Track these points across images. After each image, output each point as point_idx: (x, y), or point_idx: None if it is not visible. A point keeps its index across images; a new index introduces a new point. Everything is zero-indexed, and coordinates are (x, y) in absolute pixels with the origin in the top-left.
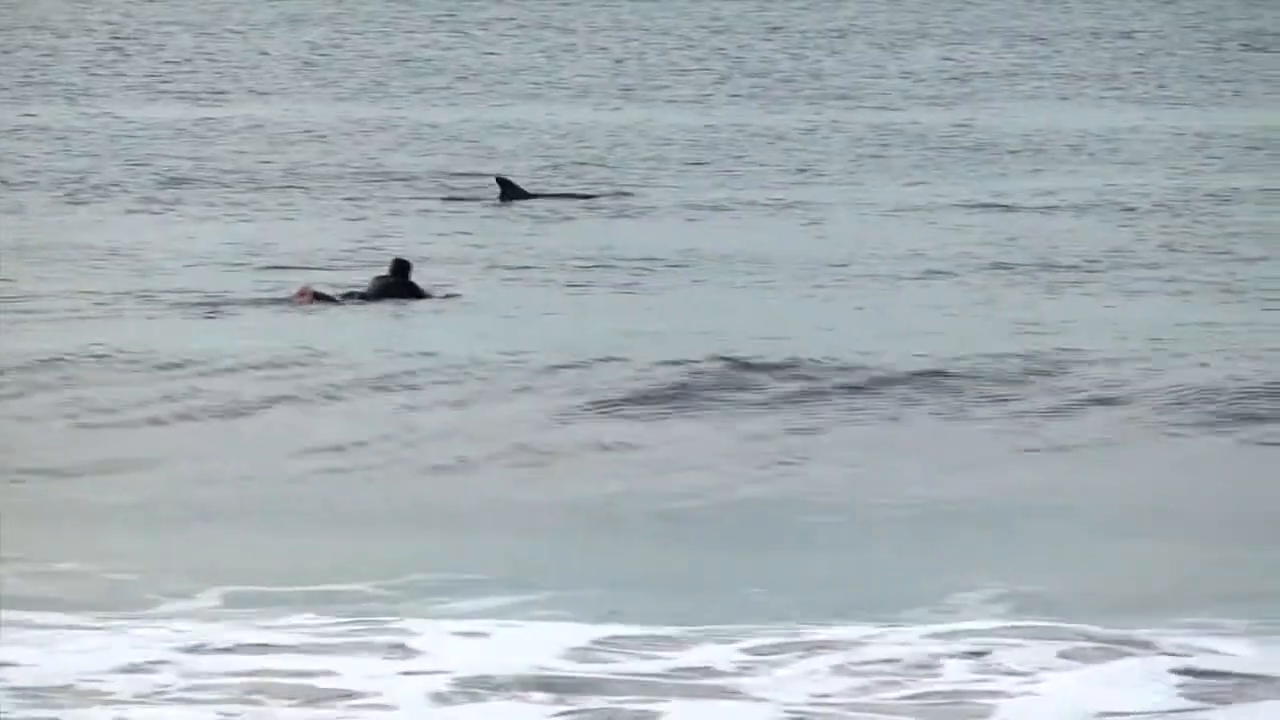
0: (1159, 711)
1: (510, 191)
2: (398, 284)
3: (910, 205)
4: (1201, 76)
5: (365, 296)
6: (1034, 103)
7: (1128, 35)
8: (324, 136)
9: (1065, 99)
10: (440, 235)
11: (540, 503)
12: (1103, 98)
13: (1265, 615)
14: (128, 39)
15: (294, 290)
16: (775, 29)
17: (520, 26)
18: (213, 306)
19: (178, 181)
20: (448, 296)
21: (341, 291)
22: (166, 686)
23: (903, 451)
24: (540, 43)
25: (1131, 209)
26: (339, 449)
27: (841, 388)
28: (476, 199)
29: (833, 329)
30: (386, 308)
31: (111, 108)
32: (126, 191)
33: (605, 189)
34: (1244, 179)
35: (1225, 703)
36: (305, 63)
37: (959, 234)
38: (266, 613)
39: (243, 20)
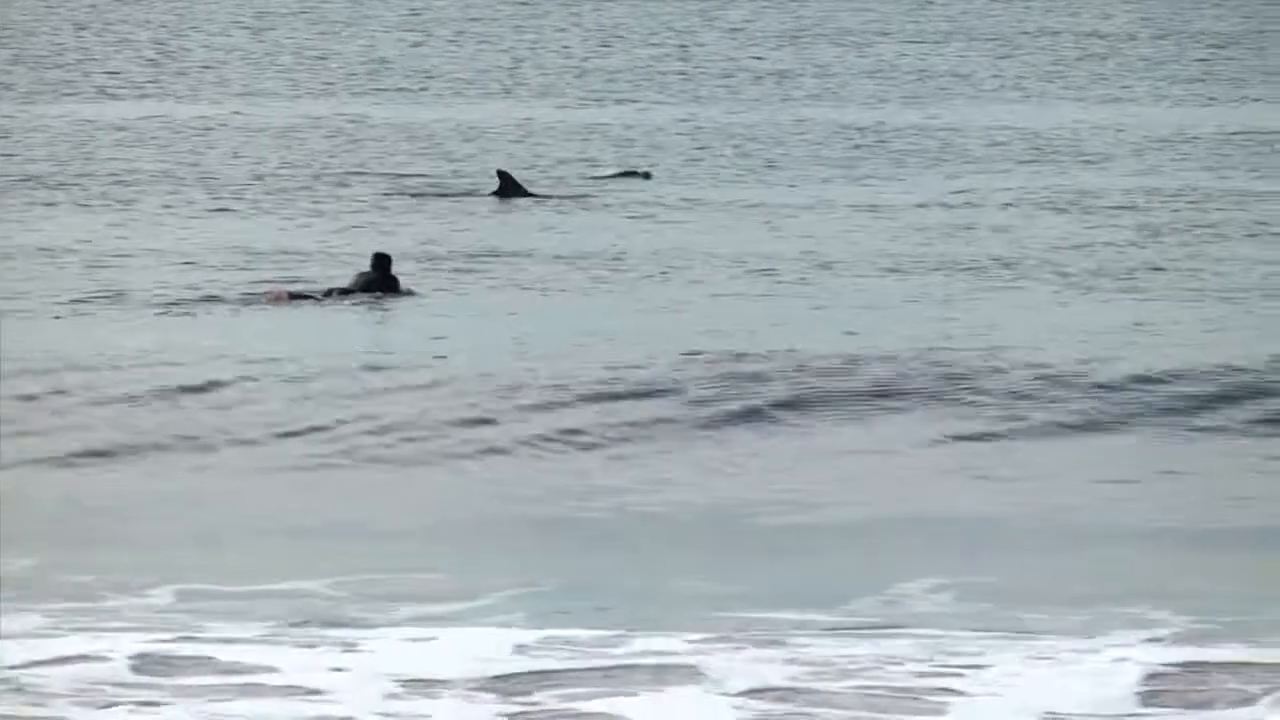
0: (1110, 715)
1: (509, 187)
2: (379, 278)
3: (869, 203)
4: (1168, 76)
5: (346, 291)
6: (994, 102)
7: (1091, 35)
8: (285, 135)
9: (1027, 97)
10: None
11: (491, 504)
12: (1062, 97)
13: (1209, 613)
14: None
15: (268, 291)
16: (736, 29)
17: (472, 20)
18: (181, 305)
19: (141, 180)
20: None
21: (322, 289)
22: (112, 682)
23: (851, 452)
24: (496, 43)
25: (1090, 208)
26: (290, 449)
27: (793, 388)
28: (443, 195)
29: (787, 327)
30: (362, 304)
31: (75, 107)
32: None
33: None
34: (1206, 178)
35: (1172, 705)
36: (266, 61)
37: (917, 232)
38: (216, 611)
39: (207, 18)
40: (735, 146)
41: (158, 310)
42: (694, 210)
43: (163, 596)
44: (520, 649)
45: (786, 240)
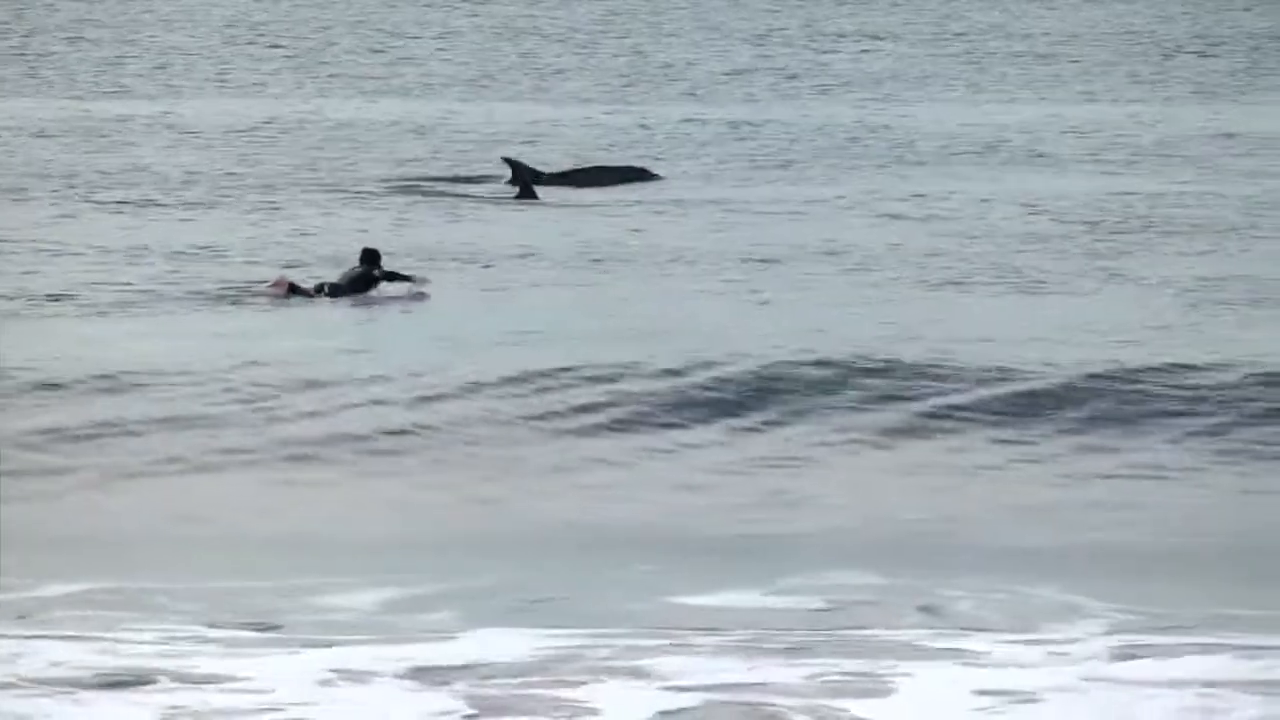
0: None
1: (521, 176)
2: (368, 273)
3: (819, 201)
4: (1129, 76)
5: (337, 288)
6: (947, 102)
7: (1035, 35)
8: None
9: (978, 96)
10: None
11: (431, 499)
12: (1015, 98)
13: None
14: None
15: (270, 281)
16: (710, 29)
17: (423, 13)
18: (150, 303)
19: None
20: (416, 282)
21: (313, 284)
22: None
23: (795, 456)
24: (458, 42)
25: (1042, 209)
26: (216, 444)
27: (735, 390)
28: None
29: (736, 326)
30: (349, 301)
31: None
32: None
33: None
34: (1155, 178)
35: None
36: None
37: (866, 232)
38: (151, 606)
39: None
40: (700, 145)
41: (145, 308)
42: (643, 209)
43: (100, 592)
44: (451, 642)
45: (737, 239)
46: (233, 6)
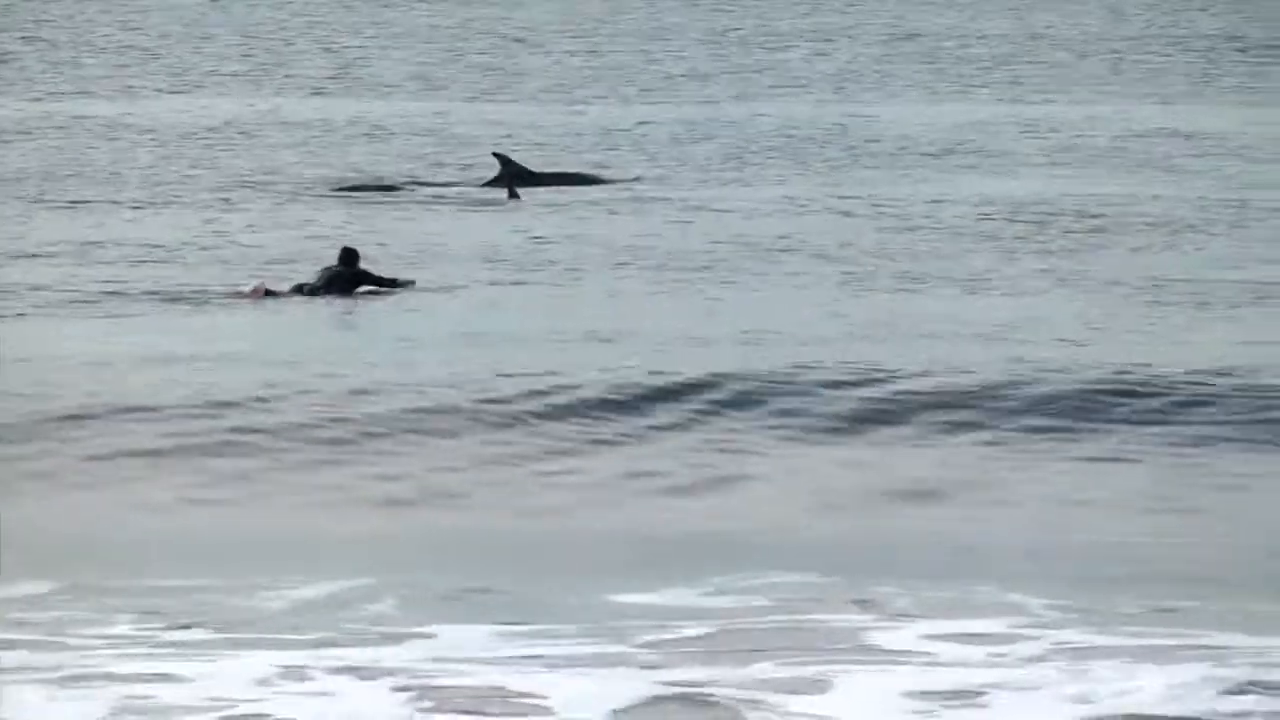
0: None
1: (508, 170)
2: (346, 273)
3: (770, 200)
4: (1087, 77)
5: (315, 289)
6: (900, 101)
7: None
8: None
9: (935, 96)
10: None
11: (378, 495)
12: (973, 98)
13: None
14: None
15: (248, 287)
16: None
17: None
18: (100, 302)
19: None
20: (402, 286)
21: (290, 285)
22: None
23: (741, 450)
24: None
25: (990, 207)
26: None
27: (680, 386)
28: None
29: (685, 325)
30: (327, 301)
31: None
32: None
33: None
34: (1111, 179)
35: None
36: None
37: (816, 233)
38: (95, 604)
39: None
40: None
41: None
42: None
43: (40, 587)
44: (412, 640)
45: (688, 237)
46: (191, 7)
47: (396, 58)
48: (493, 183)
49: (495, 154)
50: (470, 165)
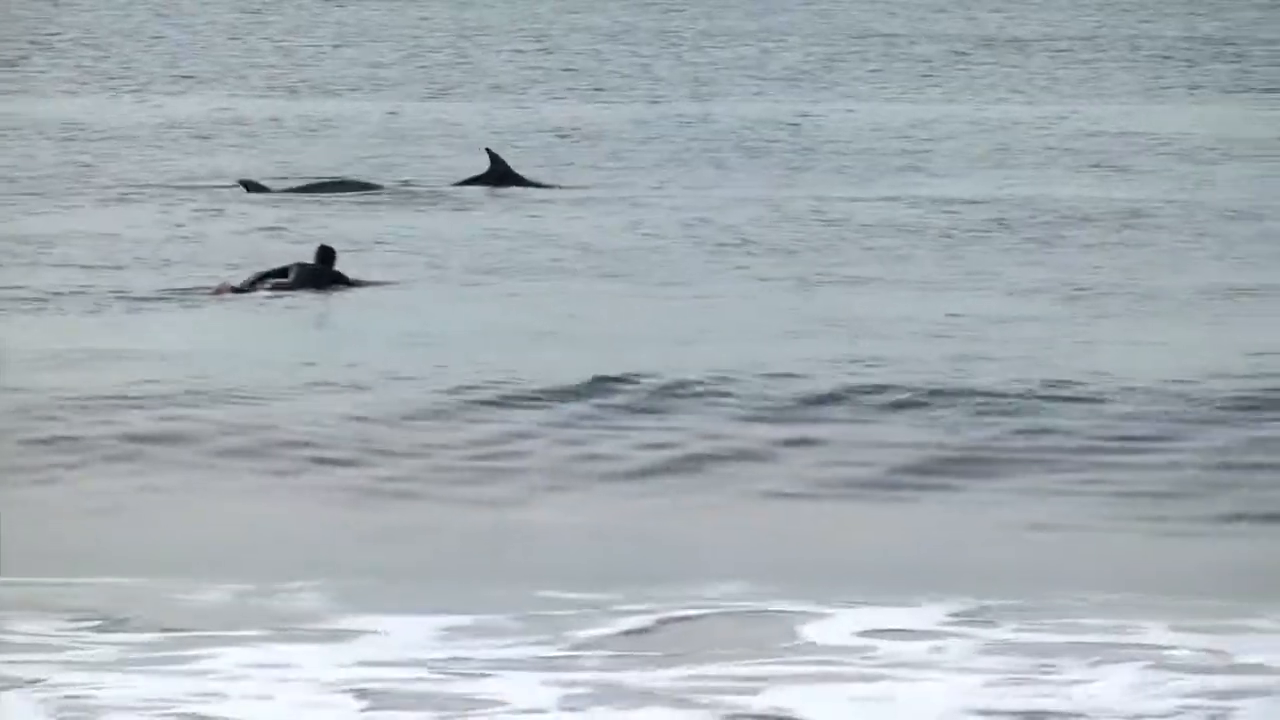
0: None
1: (498, 166)
2: (323, 271)
3: (722, 199)
4: (1039, 75)
5: (290, 285)
6: (852, 100)
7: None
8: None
9: (887, 96)
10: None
11: (323, 491)
12: (922, 99)
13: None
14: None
15: (215, 285)
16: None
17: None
18: (50, 300)
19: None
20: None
21: (266, 277)
22: None
23: (677, 458)
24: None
25: (934, 207)
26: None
27: (620, 388)
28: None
29: (628, 328)
30: (302, 299)
31: None
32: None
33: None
34: (1070, 180)
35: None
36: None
37: (768, 231)
38: (38, 604)
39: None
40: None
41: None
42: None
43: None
44: (359, 636)
45: (640, 237)
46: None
47: (347, 56)
48: (476, 180)
49: (488, 150)
50: (432, 159)
